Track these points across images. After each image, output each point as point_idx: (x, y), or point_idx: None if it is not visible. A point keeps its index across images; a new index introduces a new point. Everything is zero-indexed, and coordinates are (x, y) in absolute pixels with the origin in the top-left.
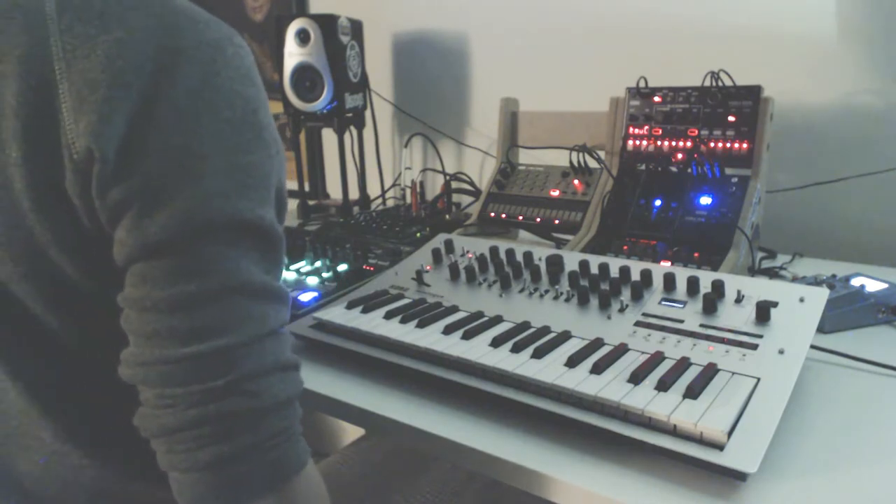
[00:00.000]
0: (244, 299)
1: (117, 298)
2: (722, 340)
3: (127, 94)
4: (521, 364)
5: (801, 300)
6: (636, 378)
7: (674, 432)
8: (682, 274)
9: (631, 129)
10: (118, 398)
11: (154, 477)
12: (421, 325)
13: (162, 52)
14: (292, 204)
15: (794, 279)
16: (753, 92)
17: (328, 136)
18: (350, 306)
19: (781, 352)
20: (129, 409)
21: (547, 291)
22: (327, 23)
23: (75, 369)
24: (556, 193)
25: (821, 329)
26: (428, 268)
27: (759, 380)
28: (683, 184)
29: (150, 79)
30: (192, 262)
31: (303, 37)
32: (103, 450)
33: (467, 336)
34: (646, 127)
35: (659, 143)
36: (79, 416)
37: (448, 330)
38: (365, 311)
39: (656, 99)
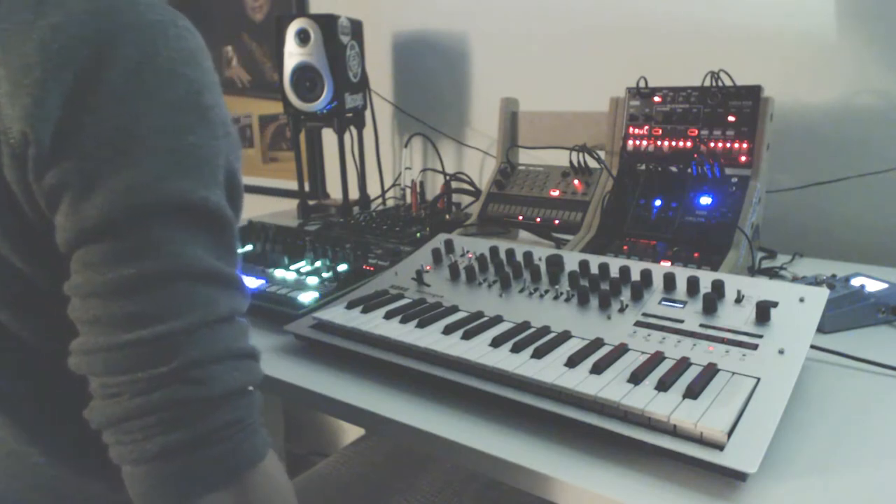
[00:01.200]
0: (189, 284)
1: (63, 288)
2: (722, 340)
3: (62, 76)
4: (521, 364)
5: (801, 300)
6: (636, 378)
7: (674, 432)
8: (682, 274)
9: (631, 129)
10: (76, 397)
11: (113, 478)
12: (421, 326)
13: (99, 34)
14: (292, 204)
15: (794, 279)
16: (753, 92)
17: (328, 136)
18: (350, 306)
19: (781, 352)
20: (86, 406)
21: (547, 291)
22: (327, 23)
23: (32, 367)
24: (556, 193)
25: (821, 329)
26: (428, 268)
27: (759, 380)
28: (683, 184)
29: (87, 62)
30: (133, 246)
31: (303, 37)
32: (62, 450)
33: (467, 336)
34: (646, 127)
35: (659, 143)
36: (36, 415)
37: (448, 330)
38: (365, 311)
39: (656, 99)
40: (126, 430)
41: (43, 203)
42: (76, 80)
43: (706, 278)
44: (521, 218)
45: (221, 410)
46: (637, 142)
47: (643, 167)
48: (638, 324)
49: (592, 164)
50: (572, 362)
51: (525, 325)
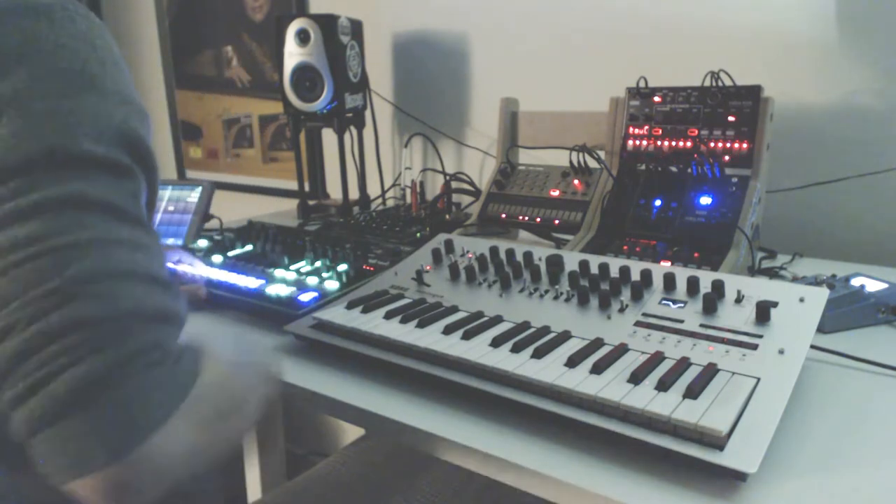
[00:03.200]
0: (79, 211)
1: None
2: (722, 340)
3: None
4: (521, 364)
5: (801, 300)
6: (636, 378)
7: (674, 432)
8: (682, 274)
9: (631, 129)
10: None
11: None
12: (421, 326)
13: None
14: (292, 204)
15: (794, 279)
16: (753, 92)
17: (328, 136)
18: (350, 306)
19: (781, 352)
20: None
21: (547, 291)
22: (327, 23)
23: None
24: (556, 193)
25: (821, 329)
26: (428, 268)
27: (759, 380)
28: (683, 184)
29: None
30: (14, 188)
31: (303, 37)
32: None
33: (467, 336)
34: (646, 127)
35: (659, 143)
36: None
37: (448, 330)
38: (365, 311)
39: (656, 99)
40: (26, 373)
41: None
42: None
43: (706, 278)
44: (521, 218)
45: (136, 332)
46: (637, 142)
47: (643, 167)
48: (638, 324)
49: (592, 164)
50: (572, 362)
51: (525, 325)
